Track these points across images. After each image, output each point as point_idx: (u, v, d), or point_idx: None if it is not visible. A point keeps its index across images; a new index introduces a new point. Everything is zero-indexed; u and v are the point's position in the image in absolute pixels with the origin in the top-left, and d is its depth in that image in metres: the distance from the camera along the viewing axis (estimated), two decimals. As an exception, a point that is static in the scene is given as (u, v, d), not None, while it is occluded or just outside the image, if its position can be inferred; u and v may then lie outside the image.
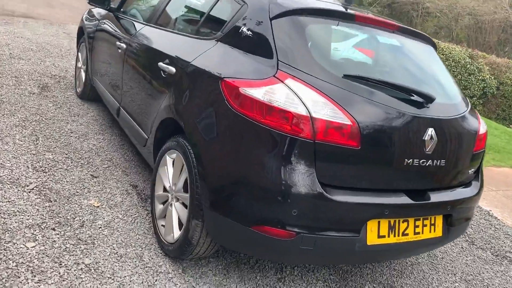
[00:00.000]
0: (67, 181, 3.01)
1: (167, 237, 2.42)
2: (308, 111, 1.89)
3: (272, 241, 1.94)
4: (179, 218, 2.38)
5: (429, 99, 2.16)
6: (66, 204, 2.74)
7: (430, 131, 2.12)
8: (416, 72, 2.41)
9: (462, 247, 3.48)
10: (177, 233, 2.34)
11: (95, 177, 3.17)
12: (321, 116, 1.89)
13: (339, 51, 2.22)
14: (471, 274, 3.10)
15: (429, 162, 2.14)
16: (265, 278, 2.49)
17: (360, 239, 2.03)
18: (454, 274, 3.04)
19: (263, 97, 1.94)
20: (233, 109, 2.01)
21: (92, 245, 2.42)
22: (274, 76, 2.01)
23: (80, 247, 2.38)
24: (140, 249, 2.49)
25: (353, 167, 1.98)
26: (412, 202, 2.11)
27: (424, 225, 2.25)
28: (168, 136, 2.62)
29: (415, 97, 2.14)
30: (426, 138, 2.10)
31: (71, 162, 3.28)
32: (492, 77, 12.84)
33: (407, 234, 2.18)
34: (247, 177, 1.95)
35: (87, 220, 2.64)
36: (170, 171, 2.49)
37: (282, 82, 1.97)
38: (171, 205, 2.43)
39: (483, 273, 3.18)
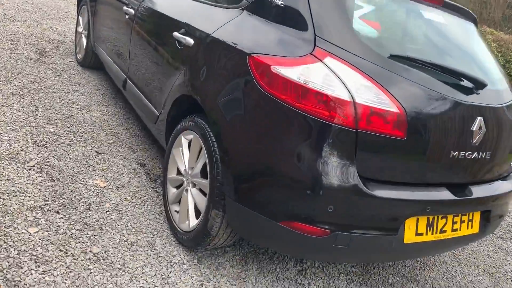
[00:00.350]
0: (70, 158, 2.79)
1: (182, 225, 2.24)
2: (351, 96, 1.67)
3: (302, 238, 1.76)
4: (195, 205, 2.18)
5: (480, 85, 1.95)
6: (70, 184, 2.54)
7: (479, 121, 1.91)
8: (463, 54, 2.18)
9: (482, 237, 3.34)
10: (193, 221, 2.15)
11: (100, 153, 2.95)
12: (365, 102, 1.67)
13: (382, 27, 1.98)
14: (494, 266, 2.97)
15: (475, 154, 1.95)
16: (285, 271, 2.33)
17: (398, 237, 1.85)
18: (477, 266, 2.91)
19: (298, 78, 1.72)
20: (262, 90, 1.79)
21: (100, 231, 2.23)
22: (311, 53, 1.77)
23: (87, 234, 2.19)
24: (152, 236, 2.31)
25: (396, 159, 1.78)
26: (455, 198, 1.93)
27: (462, 221, 2.07)
28: (183, 114, 2.39)
29: (465, 82, 1.92)
30: (474, 129, 1.90)
31: (74, 137, 3.06)
32: (499, 55, 12.56)
33: (445, 231, 2.01)
34: (278, 167, 1.75)
35: (93, 202, 2.44)
36: (186, 154, 2.28)
37: (321, 61, 1.74)
38: (186, 190, 2.23)
39: (505, 265, 3.04)
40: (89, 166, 2.77)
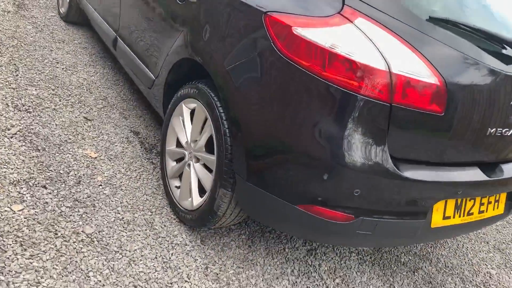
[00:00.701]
0: (56, 125, 2.53)
1: (184, 202, 2.04)
2: (387, 64, 1.44)
3: (322, 224, 1.58)
4: (199, 182, 1.98)
5: (524, 54, 1.73)
6: (57, 154, 2.30)
7: (520, 94, 1.71)
8: (504, 17, 1.94)
9: (490, 211, 3.23)
10: (197, 199, 1.95)
11: (89, 120, 2.70)
12: (402, 72, 1.45)
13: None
14: (504, 242, 2.87)
15: (511, 131, 1.76)
16: (294, 251, 2.17)
17: (425, 222, 1.69)
18: (487, 243, 2.80)
19: (325, 42, 1.48)
20: (280, 54, 1.55)
21: (92, 208, 2.02)
22: (339, 13, 1.52)
23: (79, 211, 1.98)
24: (150, 213, 2.11)
25: (430, 137, 1.58)
26: (487, 178, 1.76)
27: (489, 203, 1.92)
28: (184, 79, 2.14)
29: (508, 50, 1.71)
30: (514, 103, 1.70)
31: (60, 100, 2.79)
32: None
33: (471, 214, 1.85)
34: (297, 144, 1.54)
35: (84, 175, 2.21)
36: (188, 125, 2.04)
37: (351, 22, 1.50)
38: (188, 165, 2.02)
39: (514, 241, 2.95)
40: (78, 134, 2.52)
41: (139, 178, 2.33)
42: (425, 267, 2.37)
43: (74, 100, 2.84)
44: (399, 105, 1.47)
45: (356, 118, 1.46)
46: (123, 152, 2.50)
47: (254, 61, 1.63)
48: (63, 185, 2.10)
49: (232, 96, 1.71)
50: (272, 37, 1.57)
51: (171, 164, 2.17)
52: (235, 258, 2.01)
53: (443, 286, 2.27)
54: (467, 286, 2.33)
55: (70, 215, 1.94)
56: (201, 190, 1.97)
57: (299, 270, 2.06)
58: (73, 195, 2.06)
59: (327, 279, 2.06)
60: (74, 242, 1.81)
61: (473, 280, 2.39)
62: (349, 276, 2.12)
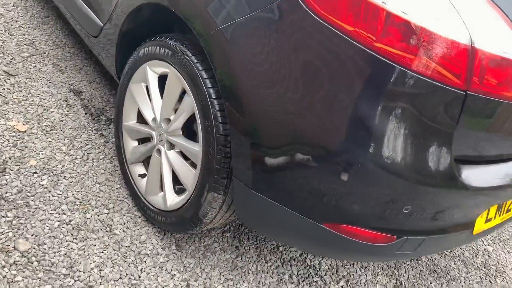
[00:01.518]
0: (-36, 84, 1.87)
1: (152, 197, 1.55)
2: (470, 37, 0.99)
3: (354, 245, 1.19)
4: (173, 174, 1.49)
5: None
6: (-31, 129, 1.68)
7: None
8: None
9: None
10: (172, 198, 1.47)
11: (12, 75, 2.04)
12: (488, 48, 1.01)
13: None
14: (492, 211, 2.70)
15: None
16: (289, 250, 1.79)
17: (470, 231, 1.36)
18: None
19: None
20: (311, 13, 1.05)
21: (26, 210, 1.49)
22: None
23: (7, 216, 1.44)
24: (106, 211, 1.61)
25: (496, 132, 1.19)
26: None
27: (524, 195, 1.63)
28: (147, 29, 1.57)
29: None
30: None
31: (-33, 47, 2.08)
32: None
33: (509, 210, 1.55)
34: (328, 141, 1.09)
35: (10, 159, 1.64)
36: (155, 95, 1.50)
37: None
38: (158, 151, 1.51)
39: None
40: (-3, 97, 1.88)
41: (87, 159, 1.78)
42: (427, 251, 2.12)
43: (-11, 47, 2.14)
44: (476, 94, 1.04)
45: (415, 110, 1.03)
46: (62, 121, 1.91)
47: (272, 20, 1.11)
48: (-19, 177, 1.52)
49: (229, 68, 1.20)
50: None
51: (131, 145, 1.65)
52: (222, 266, 1.60)
53: (448, 273, 2.03)
54: (469, 269, 2.12)
55: (-6, 224, 1.40)
56: (179, 187, 1.49)
57: (298, 274, 1.70)
58: (-4, 191, 1.50)
59: (330, 282, 1.72)
60: (3, 267, 1.30)
61: (474, 262, 2.18)
62: (353, 275, 1.80)
